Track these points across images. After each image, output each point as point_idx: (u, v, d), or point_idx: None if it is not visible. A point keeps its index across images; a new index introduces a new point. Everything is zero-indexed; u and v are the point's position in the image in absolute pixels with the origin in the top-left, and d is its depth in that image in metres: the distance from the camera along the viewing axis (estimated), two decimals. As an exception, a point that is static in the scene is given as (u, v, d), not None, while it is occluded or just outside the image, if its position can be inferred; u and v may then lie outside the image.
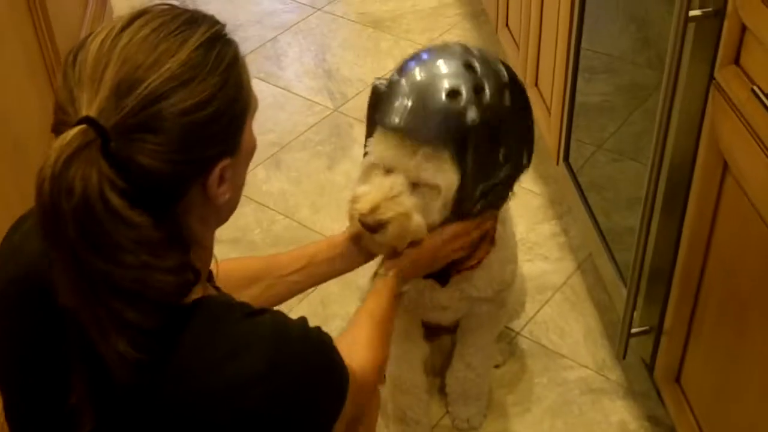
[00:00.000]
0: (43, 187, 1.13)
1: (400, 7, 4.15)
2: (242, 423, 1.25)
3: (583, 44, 2.55)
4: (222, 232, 2.92)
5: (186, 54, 1.20)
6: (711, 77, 1.76)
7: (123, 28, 1.21)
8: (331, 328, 2.61)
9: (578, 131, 2.68)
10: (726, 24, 1.67)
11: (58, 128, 1.18)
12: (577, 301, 2.72)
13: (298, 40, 3.98)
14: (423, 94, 1.79)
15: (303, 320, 1.37)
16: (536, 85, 3.04)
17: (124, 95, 1.15)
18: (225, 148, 1.27)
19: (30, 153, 2.68)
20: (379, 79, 1.89)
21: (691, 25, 1.72)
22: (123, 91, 1.16)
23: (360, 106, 3.43)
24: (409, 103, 1.79)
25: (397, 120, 1.81)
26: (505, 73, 1.83)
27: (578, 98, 2.64)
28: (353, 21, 4.08)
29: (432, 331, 2.36)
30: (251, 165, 3.23)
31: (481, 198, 1.86)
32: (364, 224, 1.82)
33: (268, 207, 3.08)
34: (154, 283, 1.18)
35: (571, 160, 2.75)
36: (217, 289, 1.46)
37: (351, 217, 1.86)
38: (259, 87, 3.65)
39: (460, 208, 1.85)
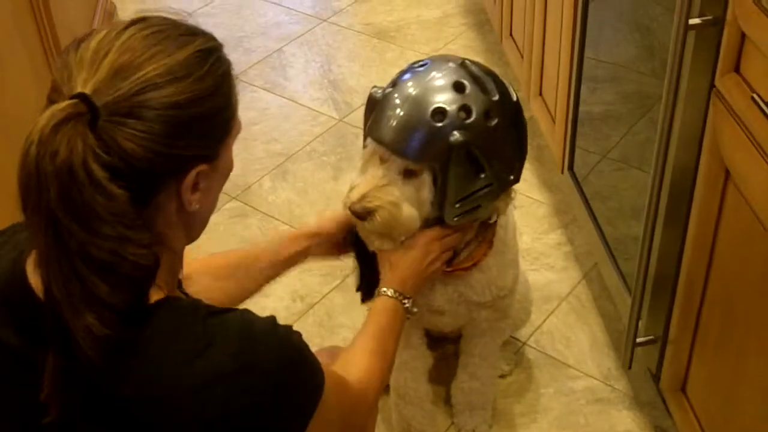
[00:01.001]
0: (30, 150, 1.16)
1: (405, 17, 4.16)
2: (208, 419, 1.26)
3: (587, 53, 2.55)
4: (228, 242, 2.93)
5: (183, 55, 1.25)
6: (711, 85, 1.75)
7: (126, 27, 1.26)
8: (338, 339, 2.62)
9: (583, 140, 2.68)
10: (725, 32, 1.67)
11: (50, 100, 1.22)
12: (583, 310, 2.72)
13: (303, 51, 3.98)
14: (409, 110, 1.81)
15: (271, 318, 1.37)
16: (540, 94, 3.04)
17: (120, 80, 1.20)
18: (204, 153, 1.29)
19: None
20: (376, 87, 1.90)
21: (691, 34, 1.72)
22: (119, 76, 1.20)
23: (365, 116, 3.45)
24: (396, 119, 1.82)
25: (382, 135, 1.84)
26: (496, 92, 1.83)
27: (582, 107, 2.64)
28: (358, 32, 4.09)
29: (436, 341, 2.36)
30: (257, 175, 3.26)
31: (461, 213, 1.88)
32: (353, 212, 1.87)
33: (273, 217, 3.08)
34: (127, 255, 1.20)
35: (575, 169, 2.75)
36: (186, 295, 1.47)
37: (344, 206, 1.90)
38: (264, 98, 3.71)
39: (439, 220, 1.89)
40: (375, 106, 1.88)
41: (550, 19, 2.86)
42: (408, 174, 1.84)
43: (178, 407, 1.26)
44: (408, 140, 1.80)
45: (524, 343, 2.62)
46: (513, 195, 1.97)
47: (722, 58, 1.70)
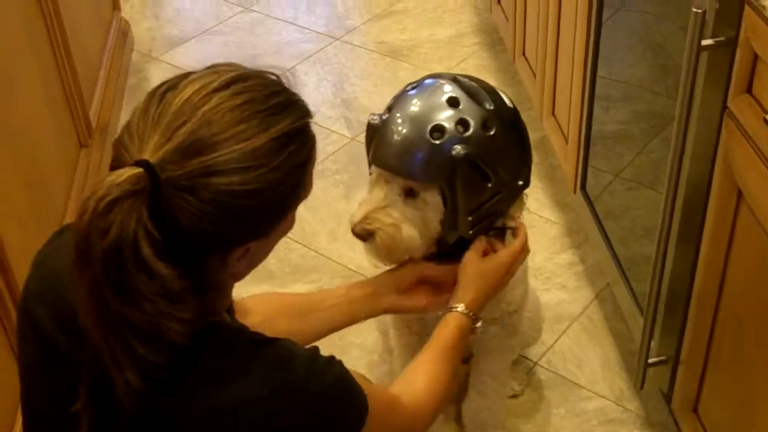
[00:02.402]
0: (83, 217, 1.16)
1: (418, 36, 4.17)
2: None
3: (600, 72, 2.55)
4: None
5: (262, 141, 1.22)
6: (724, 106, 1.75)
7: (217, 90, 1.22)
8: (349, 358, 2.61)
9: (595, 160, 2.68)
10: (738, 53, 1.67)
11: (117, 157, 1.21)
12: (595, 330, 2.71)
13: (316, 70, 3.99)
14: (409, 132, 1.82)
15: (314, 348, 1.37)
16: (553, 113, 3.04)
17: (190, 155, 1.18)
18: (257, 234, 1.29)
19: (48, 176, 2.70)
20: (373, 114, 1.91)
21: (704, 54, 1.72)
22: (190, 151, 1.18)
23: (377, 135, 3.45)
24: (397, 142, 1.83)
25: (386, 160, 1.86)
26: (491, 102, 1.85)
27: (595, 126, 2.64)
28: (371, 50, 4.09)
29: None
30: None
31: (475, 224, 1.88)
32: (354, 233, 1.89)
33: (285, 236, 3.07)
34: (167, 329, 1.20)
35: (588, 188, 2.75)
36: (233, 320, 1.47)
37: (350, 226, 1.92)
38: (276, 116, 3.69)
39: (454, 234, 1.89)
40: (375, 133, 1.89)
41: (563, 39, 2.86)
42: (409, 194, 1.85)
43: (211, 429, 1.26)
44: (412, 161, 1.81)
45: (536, 363, 2.62)
46: (525, 199, 1.97)
47: (735, 79, 1.70)
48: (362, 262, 2.92)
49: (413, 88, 1.89)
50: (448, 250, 1.95)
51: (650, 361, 2.19)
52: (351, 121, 3.63)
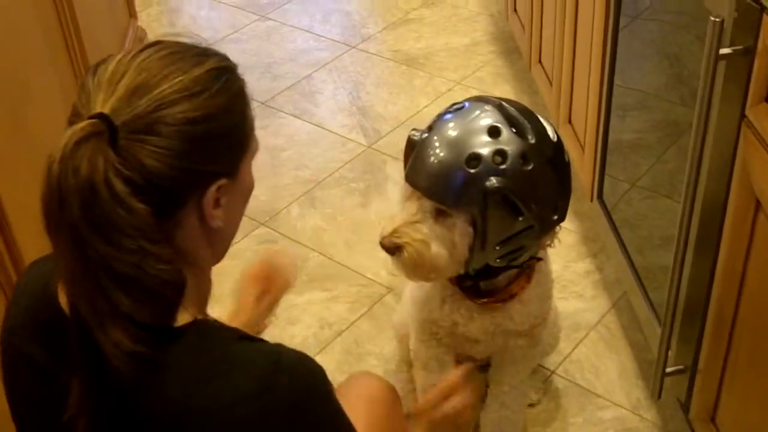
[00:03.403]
0: (52, 168, 1.20)
1: (434, 44, 4.17)
2: None
3: (617, 81, 2.54)
4: (255, 270, 2.93)
5: (197, 73, 1.28)
6: (742, 115, 1.75)
7: (142, 50, 1.29)
8: (365, 366, 2.62)
9: (612, 168, 2.67)
10: (756, 62, 1.67)
11: (70, 123, 1.25)
12: (612, 339, 2.70)
13: (332, 78, 4.00)
14: (445, 156, 1.83)
15: (302, 352, 1.37)
16: (570, 122, 3.04)
17: (137, 98, 1.23)
18: (223, 169, 1.32)
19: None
20: (414, 130, 1.91)
21: (722, 63, 1.72)
22: (136, 95, 1.23)
23: (394, 143, 3.46)
24: (431, 165, 1.84)
25: (418, 181, 1.87)
26: (533, 135, 1.84)
27: (612, 135, 2.63)
28: (387, 59, 4.10)
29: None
30: (286, 201, 3.27)
31: (503, 255, 1.89)
32: (382, 246, 1.90)
33: (301, 243, 3.08)
34: (150, 269, 1.22)
35: (605, 197, 2.74)
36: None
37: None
38: (293, 124, 3.73)
39: (481, 260, 1.90)
40: (413, 149, 1.90)
41: (579, 47, 2.86)
42: (440, 213, 1.85)
43: (199, 426, 1.26)
44: (444, 186, 1.82)
45: (553, 372, 2.61)
46: (557, 231, 1.97)
47: (753, 88, 1.70)
48: (379, 271, 2.92)
49: (457, 110, 1.89)
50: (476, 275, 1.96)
51: (668, 370, 2.18)
52: (367, 129, 3.63)
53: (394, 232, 1.87)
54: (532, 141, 1.83)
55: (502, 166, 1.79)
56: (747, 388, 1.94)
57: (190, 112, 1.24)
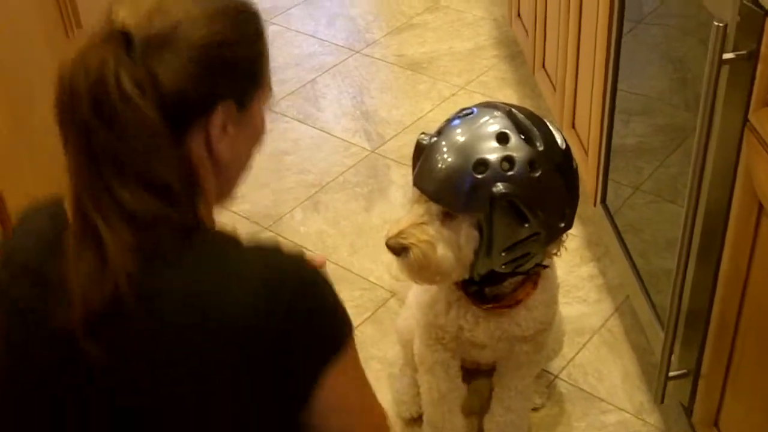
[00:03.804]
0: (64, 70, 1.23)
1: (437, 49, 4.17)
2: (232, 334, 1.25)
3: (620, 85, 2.55)
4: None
5: (223, 5, 1.31)
6: (745, 119, 1.75)
7: None
8: (369, 370, 2.59)
9: (615, 173, 2.68)
10: (759, 67, 1.67)
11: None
12: (615, 343, 2.71)
13: (336, 82, 4.00)
14: (453, 161, 1.83)
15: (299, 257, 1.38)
16: (573, 126, 3.04)
17: (158, 17, 1.25)
18: (232, 94, 1.33)
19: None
20: (423, 134, 1.92)
21: (725, 68, 1.72)
22: (158, 14, 1.26)
23: (397, 147, 3.46)
24: (439, 170, 1.85)
25: (425, 185, 1.88)
26: (541, 142, 1.85)
27: (615, 139, 2.63)
28: (391, 63, 4.10)
29: (469, 374, 2.36)
30: (289, 206, 3.26)
31: (508, 262, 1.90)
32: (388, 247, 1.90)
33: (305, 248, 3.08)
34: (156, 170, 1.24)
35: (608, 201, 2.75)
36: None
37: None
38: (297, 128, 3.73)
39: (486, 265, 1.90)
40: (422, 152, 1.90)
41: (583, 51, 2.86)
42: (447, 216, 1.86)
43: (204, 310, 1.26)
44: (450, 191, 1.83)
45: (556, 377, 2.61)
46: (564, 239, 1.97)
47: (756, 93, 1.70)
48: (382, 275, 2.93)
49: (466, 115, 1.89)
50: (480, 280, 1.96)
51: (671, 374, 2.19)
52: (371, 134, 3.63)
53: (401, 233, 1.88)
54: (541, 148, 1.83)
55: (510, 173, 1.80)
56: (750, 393, 1.94)
57: (209, 36, 1.27)
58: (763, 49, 1.66)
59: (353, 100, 3.87)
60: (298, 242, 3.10)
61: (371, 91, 3.92)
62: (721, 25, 1.68)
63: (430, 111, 3.73)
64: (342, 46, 4.26)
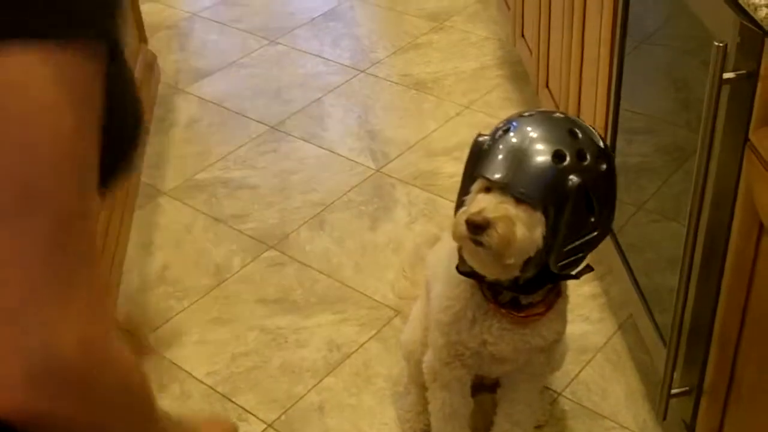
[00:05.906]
0: None
1: (442, 69, 4.20)
2: None
3: (623, 105, 2.57)
4: (265, 292, 2.95)
5: None
6: (746, 139, 1.77)
7: None
8: (375, 389, 2.64)
9: (618, 191, 2.68)
10: (759, 86, 1.69)
11: None
12: (619, 361, 2.72)
13: (341, 102, 4.03)
14: (529, 152, 1.85)
15: None
16: (577, 145, 3.06)
17: None
18: None
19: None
20: (482, 135, 1.93)
21: (726, 88, 1.74)
22: None
23: (402, 167, 3.48)
24: (515, 159, 1.85)
25: (500, 174, 1.86)
26: (600, 141, 1.90)
27: (618, 158, 2.63)
28: (396, 83, 4.13)
29: (473, 389, 2.37)
30: (295, 225, 3.26)
31: (567, 256, 1.91)
32: (471, 223, 1.83)
33: (310, 267, 3.10)
34: None
35: (611, 220, 2.76)
36: None
37: (455, 228, 1.89)
38: (302, 148, 3.75)
39: (540, 261, 1.90)
40: (481, 151, 1.91)
41: (586, 71, 2.88)
42: (519, 200, 1.85)
43: None
44: (528, 178, 1.84)
45: (560, 394, 2.63)
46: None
47: (756, 112, 1.72)
48: (387, 294, 2.94)
49: (530, 114, 1.93)
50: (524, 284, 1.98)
51: (673, 391, 2.20)
52: (376, 153, 3.65)
53: (483, 209, 1.84)
54: (602, 145, 1.90)
55: (584, 164, 1.84)
56: (751, 410, 1.95)
57: None
58: (762, 69, 1.67)
59: (358, 119, 3.89)
60: (303, 261, 3.12)
61: (376, 111, 3.95)
62: (721, 45, 1.70)
63: (435, 130, 3.75)
64: (347, 66, 4.29)
